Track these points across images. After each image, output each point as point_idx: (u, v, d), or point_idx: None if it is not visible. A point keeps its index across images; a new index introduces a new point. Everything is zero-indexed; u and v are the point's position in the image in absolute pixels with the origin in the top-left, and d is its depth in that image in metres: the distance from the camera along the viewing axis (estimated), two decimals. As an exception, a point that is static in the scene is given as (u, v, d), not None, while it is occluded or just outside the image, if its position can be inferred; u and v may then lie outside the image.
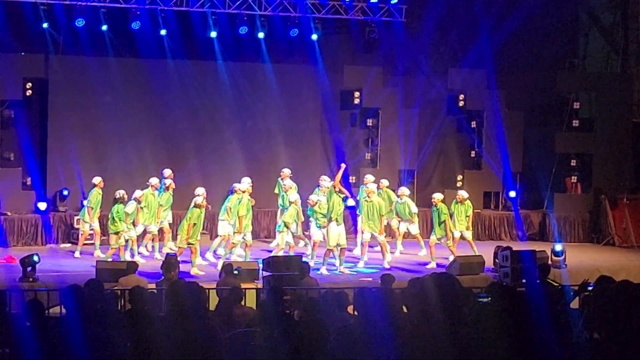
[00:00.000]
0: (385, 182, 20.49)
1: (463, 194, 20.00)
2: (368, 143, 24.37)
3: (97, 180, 19.51)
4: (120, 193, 18.57)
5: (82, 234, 19.63)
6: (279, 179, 20.61)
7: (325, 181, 19.32)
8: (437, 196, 19.60)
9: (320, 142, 23.96)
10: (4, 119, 21.37)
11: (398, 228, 20.55)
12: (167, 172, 20.05)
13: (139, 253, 19.13)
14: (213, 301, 12.38)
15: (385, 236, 19.38)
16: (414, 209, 20.46)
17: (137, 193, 18.94)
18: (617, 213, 23.23)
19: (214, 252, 19.19)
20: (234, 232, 18.62)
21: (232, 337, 8.14)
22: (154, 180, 19.54)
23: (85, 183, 20.52)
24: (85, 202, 19.67)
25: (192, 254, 17.79)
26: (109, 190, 19.68)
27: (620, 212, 23.18)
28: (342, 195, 18.59)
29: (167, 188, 19.67)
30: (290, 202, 19.08)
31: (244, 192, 18.85)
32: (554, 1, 24.38)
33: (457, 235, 19.67)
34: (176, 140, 22.56)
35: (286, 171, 20.61)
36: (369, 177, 20.00)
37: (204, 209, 18.21)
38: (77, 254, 19.26)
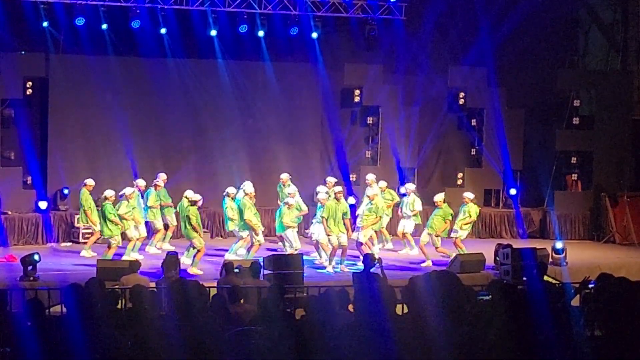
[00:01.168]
0: (383, 184, 20.56)
1: (469, 195, 20.01)
2: (368, 141, 24.37)
3: (88, 181, 19.51)
4: (110, 193, 18.59)
5: (92, 234, 19.53)
6: (280, 184, 20.57)
7: (330, 182, 20.08)
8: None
9: (320, 140, 23.95)
10: (4, 118, 21.34)
11: (384, 228, 20.66)
12: (162, 176, 20.13)
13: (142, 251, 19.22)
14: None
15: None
16: (418, 206, 20.46)
17: (128, 190, 18.96)
18: (617, 210, 23.24)
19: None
20: (252, 233, 18.69)
21: (233, 336, 8.13)
22: (140, 182, 19.72)
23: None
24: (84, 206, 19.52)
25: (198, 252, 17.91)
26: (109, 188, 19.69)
27: (621, 210, 23.19)
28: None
29: (155, 187, 19.72)
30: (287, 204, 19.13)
31: (247, 194, 18.92)
32: (553, -1, 24.41)
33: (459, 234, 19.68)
34: (176, 138, 22.56)
35: (284, 176, 20.57)
36: (371, 176, 20.20)
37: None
38: (85, 253, 19.15)
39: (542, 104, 25.21)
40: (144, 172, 20.77)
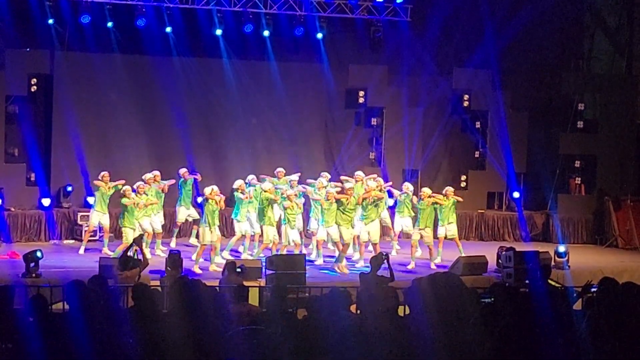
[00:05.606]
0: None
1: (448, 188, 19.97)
2: (372, 142, 24.36)
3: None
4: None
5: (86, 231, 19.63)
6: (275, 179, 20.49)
7: (324, 177, 19.77)
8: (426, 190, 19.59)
9: (324, 141, 23.97)
10: (8, 115, 21.36)
11: (393, 228, 20.56)
12: (182, 170, 20.19)
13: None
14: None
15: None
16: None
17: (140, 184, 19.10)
18: (620, 214, 23.21)
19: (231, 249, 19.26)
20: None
21: (235, 335, 8.13)
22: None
23: (90, 179, 20.48)
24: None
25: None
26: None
27: (624, 214, 23.16)
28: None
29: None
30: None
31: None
32: (559, 2, 24.36)
33: (441, 233, 19.61)
34: (180, 137, 22.54)
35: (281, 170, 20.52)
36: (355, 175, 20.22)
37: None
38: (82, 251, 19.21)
39: (547, 107, 25.20)
40: (148, 169, 20.75)
